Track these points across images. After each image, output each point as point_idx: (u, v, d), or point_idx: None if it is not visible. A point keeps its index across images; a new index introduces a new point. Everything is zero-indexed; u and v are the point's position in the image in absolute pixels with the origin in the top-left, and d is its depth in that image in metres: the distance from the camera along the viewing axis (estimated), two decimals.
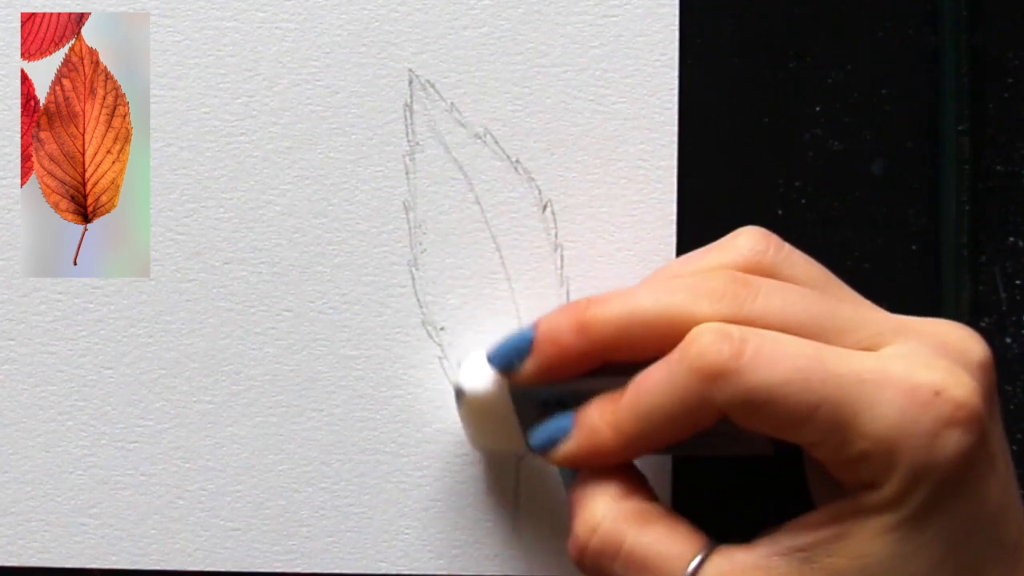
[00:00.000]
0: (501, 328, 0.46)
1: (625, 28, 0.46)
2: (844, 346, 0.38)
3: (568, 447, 0.41)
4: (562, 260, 0.46)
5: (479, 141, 0.46)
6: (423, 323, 0.46)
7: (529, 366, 0.41)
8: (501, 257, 0.46)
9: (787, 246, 0.41)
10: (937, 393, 0.37)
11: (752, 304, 0.39)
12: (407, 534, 0.46)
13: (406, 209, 0.46)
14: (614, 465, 0.41)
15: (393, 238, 0.46)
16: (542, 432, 0.41)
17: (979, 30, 0.46)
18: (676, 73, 0.46)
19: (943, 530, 0.37)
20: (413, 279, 0.46)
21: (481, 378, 0.43)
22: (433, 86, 0.46)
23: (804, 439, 0.38)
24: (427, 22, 0.46)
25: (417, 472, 0.46)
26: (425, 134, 0.46)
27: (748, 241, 0.41)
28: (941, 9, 0.46)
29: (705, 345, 0.38)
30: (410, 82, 0.46)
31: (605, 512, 0.40)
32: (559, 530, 0.46)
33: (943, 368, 0.37)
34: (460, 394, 0.43)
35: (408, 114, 0.46)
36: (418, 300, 0.46)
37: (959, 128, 0.46)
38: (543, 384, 0.41)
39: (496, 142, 0.46)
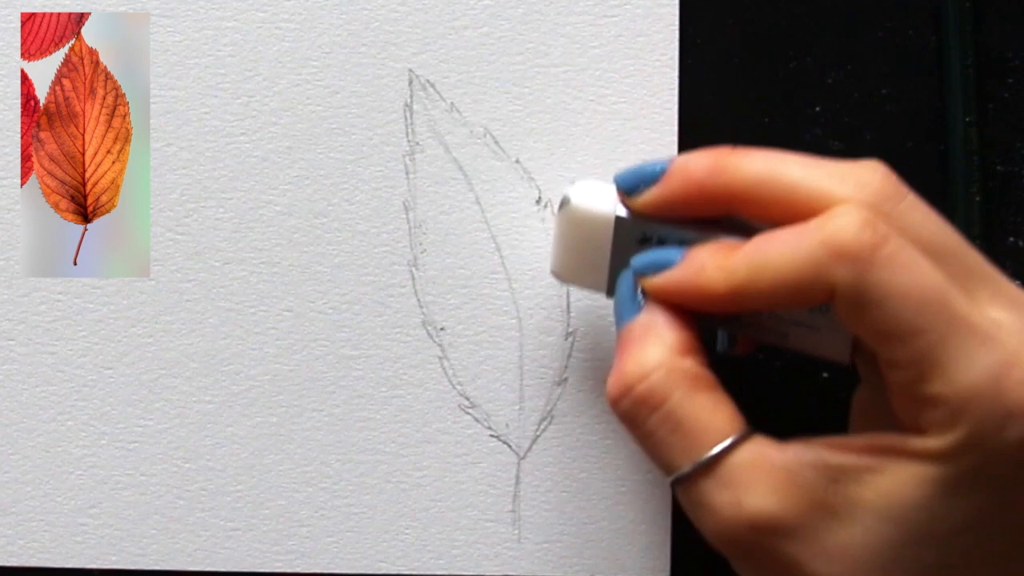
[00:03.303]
0: (501, 328, 0.46)
1: (625, 28, 0.46)
2: (962, 288, 0.38)
3: (671, 275, 0.40)
4: None
5: (479, 141, 0.46)
6: (423, 323, 0.46)
7: (653, 192, 0.41)
8: (501, 257, 0.46)
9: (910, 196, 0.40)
10: None
11: (894, 206, 0.38)
12: (407, 534, 0.46)
13: (406, 209, 0.46)
14: (683, 316, 0.40)
15: (393, 238, 0.46)
16: (648, 256, 0.41)
17: (979, 30, 0.46)
18: (676, 73, 0.46)
19: (975, 507, 0.37)
20: (413, 279, 0.46)
21: (591, 194, 0.42)
22: (433, 86, 0.46)
23: (891, 355, 0.37)
24: (427, 22, 0.46)
25: (417, 472, 0.46)
26: (425, 134, 0.46)
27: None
28: (945, 3, 0.46)
29: (847, 224, 0.37)
30: (410, 82, 0.46)
31: (661, 362, 0.39)
32: (558, 531, 0.46)
33: None
34: (565, 203, 0.42)
35: (408, 114, 0.46)
36: (418, 300, 0.46)
37: (966, 120, 0.46)
38: (658, 217, 0.41)
39: (496, 142, 0.46)
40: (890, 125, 0.46)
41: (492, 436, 0.46)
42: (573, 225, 0.42)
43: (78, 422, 0.46)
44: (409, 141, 0.46)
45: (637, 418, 0.39)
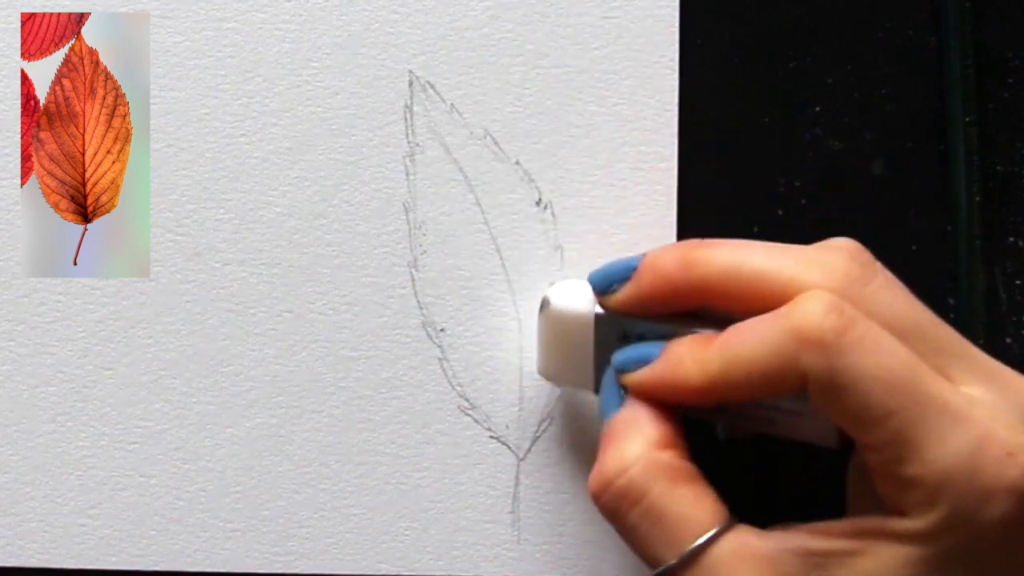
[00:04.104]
0: (501, 329, 0.46)
1: (625, 29, 0.46)
2: (934, 366, 0.38)
3: (649, 371, 0.40)
4: (562, 260, 0.46)
5: (479, 142, 0.46)
6: (423, 324, 0.46)
7: (627, 290, 0.41)
8: (501, 258, 0.46)
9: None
10: (1010, 454, 0.36)
11: (862, 288, 0.38)
12: (406, 535, 0.46)
13: (406, 210, 0.46)
14: (664, 410, 0.40)
15: (393, 239, 0.46)
16: (628, 352, 0.41)
17: (979, 30, 0.46)
18: (676, 74, 0.46)
19: None
20: (413, 280, 0.46)
21: (569, 294, 0.43)
22: (433, 87, 0.46)
23: (866, 439, 0.37)
24: (427, 23, 0.46)
25: (417, 473, 0.46)
26: (425, 135, 0.46)
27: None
28: (945, 3, 0.46)
29: (812, 310, 0.37)
30: (410, 83, 0.46)
31: (639, 456, 0.40)
32: (557, 532, 0.46)
33: None
34: (544, 305, 0.43)
35: (408, 115, 0.46)
36: (418, 301, 0.46)
37: (966, 120, 0.46)
38: (633, 314, 0.41)
39: (496, 143, 0.46)
40: (890, 125, 0.46)
41: (492, 437, 0.46)
42: (555, 326, 0.43)
43: (78, 422, 0.46)
44: (409, 142, 0.46)
45: (619, 512, 0.40)
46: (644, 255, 0.41)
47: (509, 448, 0.46)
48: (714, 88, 0.46)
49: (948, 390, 0.37)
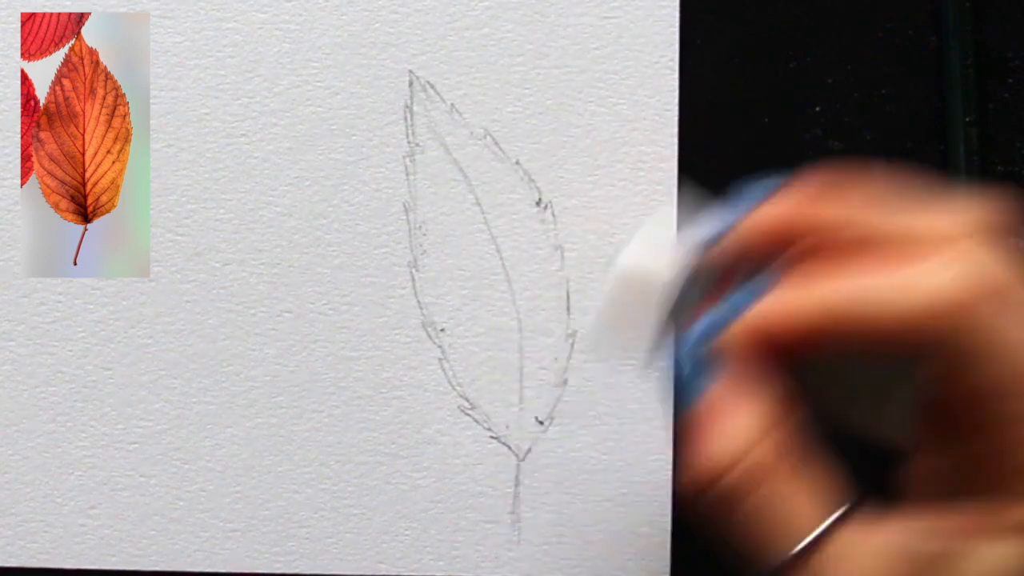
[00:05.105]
0: (501, 329, 0.46)
1: (625, 29, 0.46)
2: None
3: (765, 305, 0.35)
4: (562, 260, 0.46)
5: (479, 142, 0.46)
6: (423, 324, 0.46)
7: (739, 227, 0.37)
8: (501, 257, 0.46)
9: None
10: None
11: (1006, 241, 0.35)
12: (406, 535, 0.46)
13: (406, 210, 0.46)
14: (759, 392, 0.36)
15: (393, 239, 0.46)
16: (731, 302, 0.36)
17: (979, 30, 0.46)
18: (676, 74, 0.46)
19: None
20: (413, 280, 0.46)
21: (646, 255, 0.38)
22: (433, 87, 0.46)
23: (1006, 408, 0.33)
24: (427, 23, 0.46)
25: (416, 473, 0.46)
26: (425, 135, 0.46)
27: None
28: (945, 3, 0.46)
29: (984, 263, 0.33)
30: (410, 83, 0.46)
31: (749, 441, 0.35)
32: (558, 533, 0.46)
33: None
34: (617, 264, 0.39)
35: (408, 115, 0.46)
36: (418, 301, 0.46)
37: (966, 120, 0.46)
38: (736, 258, 0.37)
39: (496, 143, 0.46)
40: (890, 125, 0.46)
41: (492, 438, 0.46)
42: (626, 289, 0.39)
43: (78, 423, 0.46)
44: (409, 142, 0.46)
45: (728, 504, 0.35)
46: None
47: (509, 448, 0.46)
48: (714, 88, 0.46)
49: None
